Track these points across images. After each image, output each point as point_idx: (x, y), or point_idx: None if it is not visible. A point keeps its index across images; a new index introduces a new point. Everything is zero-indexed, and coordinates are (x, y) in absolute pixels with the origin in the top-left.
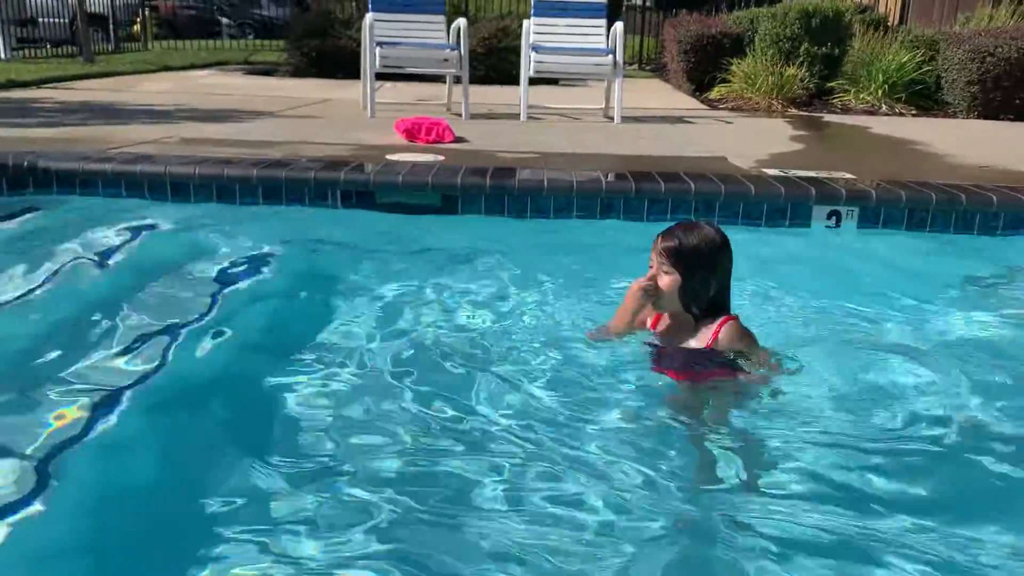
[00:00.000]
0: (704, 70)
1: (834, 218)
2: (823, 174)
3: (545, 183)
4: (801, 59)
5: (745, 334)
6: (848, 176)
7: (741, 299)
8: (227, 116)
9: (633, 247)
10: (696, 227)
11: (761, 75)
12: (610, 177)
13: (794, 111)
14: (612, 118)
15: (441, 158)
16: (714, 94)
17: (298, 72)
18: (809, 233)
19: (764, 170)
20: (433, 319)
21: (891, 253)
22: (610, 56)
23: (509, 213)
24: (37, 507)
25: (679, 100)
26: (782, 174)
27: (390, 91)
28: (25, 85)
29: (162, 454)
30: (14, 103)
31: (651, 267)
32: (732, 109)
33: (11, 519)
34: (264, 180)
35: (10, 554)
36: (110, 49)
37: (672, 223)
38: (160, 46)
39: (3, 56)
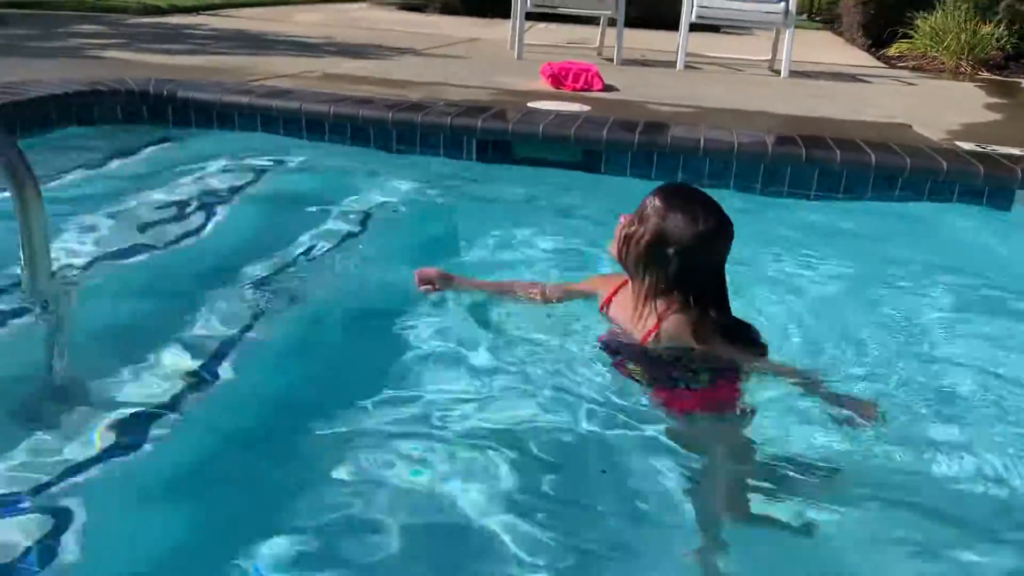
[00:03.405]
0: (883, 24)
1: None
2: None
3: (702, 142)
4: (1000, 16)
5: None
6: None
7: (924, 291)
8: (372, 52)
9: (796, 225)
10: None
11: (951, 32)
12: (777, 140)
13: (986, 74)
14: (779, 72)
15: (587, 108)
16: (892, 51)
17: (448, 9)
18: (1009, 219)
19: (957, 143)
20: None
21: None
22: (782, 3)
23: (657, 175)
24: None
25: (852, 56)
26: (980, 149)
27: (540, 32)
28: (188, 11)
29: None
30: (170, 28)
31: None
32: (913, 69)
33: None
34: (399, 124)
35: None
36: None
37: (843, 199)
38: None
39: None
